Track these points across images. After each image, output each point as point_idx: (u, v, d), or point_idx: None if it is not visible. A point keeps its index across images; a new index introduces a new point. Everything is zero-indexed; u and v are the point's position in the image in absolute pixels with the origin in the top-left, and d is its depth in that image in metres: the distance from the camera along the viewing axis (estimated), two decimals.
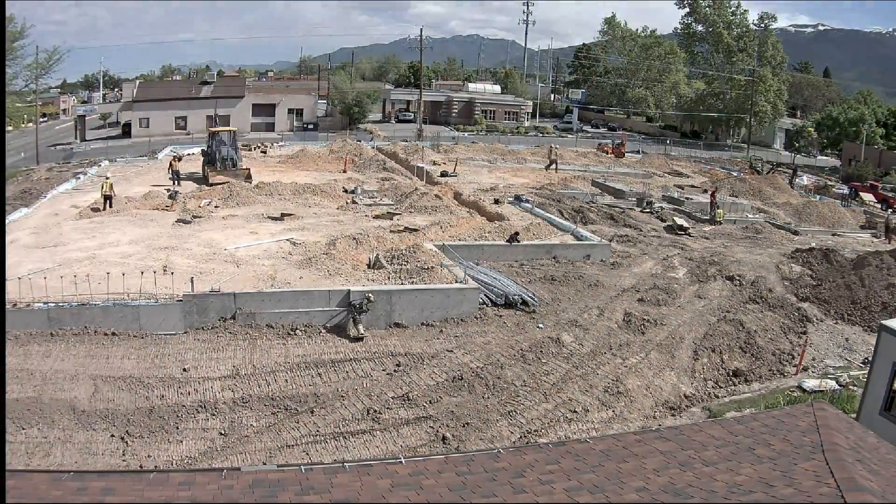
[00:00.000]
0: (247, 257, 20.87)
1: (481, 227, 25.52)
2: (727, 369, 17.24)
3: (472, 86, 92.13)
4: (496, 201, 30.76)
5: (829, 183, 52.90)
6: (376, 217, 27.48)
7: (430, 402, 14.05)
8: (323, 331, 16.57)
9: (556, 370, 15.76)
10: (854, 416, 11.16)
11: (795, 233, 32.97)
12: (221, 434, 12.72)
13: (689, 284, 22.54)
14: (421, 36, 72.09)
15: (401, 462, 5.42)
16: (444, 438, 12.99)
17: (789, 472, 5.01)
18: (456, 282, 18.53)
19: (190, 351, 15.19)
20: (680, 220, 31.67)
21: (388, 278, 18.88)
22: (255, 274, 19.04)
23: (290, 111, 68.21)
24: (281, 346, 15.75)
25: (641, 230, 30.25)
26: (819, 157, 70.78)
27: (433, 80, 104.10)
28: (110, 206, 27.47)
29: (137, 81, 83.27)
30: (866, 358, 17.27)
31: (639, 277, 22.54)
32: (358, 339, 16.24)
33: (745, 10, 78.65)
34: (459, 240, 23.47)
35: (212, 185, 32.00)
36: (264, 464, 11.25)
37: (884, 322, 11.90)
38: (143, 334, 15.61)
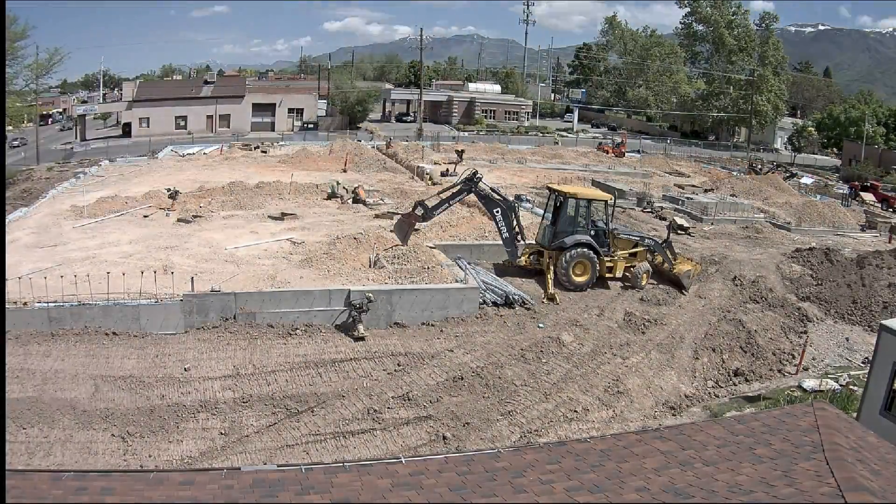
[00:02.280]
0: (247, 257, 20.87)
1: (481, 227, 25.51)
2: (727, 369, 17.23)
3: (472, 86, 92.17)
4: None
5: (830, 183, 52.90)
6: (377, 217, 27.48)
7: (431, 401, 14.04)
8: (323, 330, 16.57)
9: (556, 370, 15.75)
10: (854, 415, 11.15)
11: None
12: (221, 434, 12.71)
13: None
14: (421, 36, 72.11)
15: (401, 462, 5.41)
16: (444, 438, 12.99)
17: (790, 471, 5.00)
18: (456, 282, 18.52)
19: (190, 351, 15.19)
20: (680, 220, 31.67)
21: (389, 278, 18.87)
22: (255, 274, 19.03)
23: (291, 111, 68.22)
24: (281, 345, 15.74)
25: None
26: (818, 157, 70.75)
27: (433, 80, 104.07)
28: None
29: (137, 81, 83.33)
30: (866, 357, 17.26)
31: None
32: (360, 338, 16.26)
33: (745, 10, 78.73)
34: (459, 240, 23.47)
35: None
36: (264, 464, 11.25)
37: (884, 322, 11.86)
38: (143, 334, 15.61)
